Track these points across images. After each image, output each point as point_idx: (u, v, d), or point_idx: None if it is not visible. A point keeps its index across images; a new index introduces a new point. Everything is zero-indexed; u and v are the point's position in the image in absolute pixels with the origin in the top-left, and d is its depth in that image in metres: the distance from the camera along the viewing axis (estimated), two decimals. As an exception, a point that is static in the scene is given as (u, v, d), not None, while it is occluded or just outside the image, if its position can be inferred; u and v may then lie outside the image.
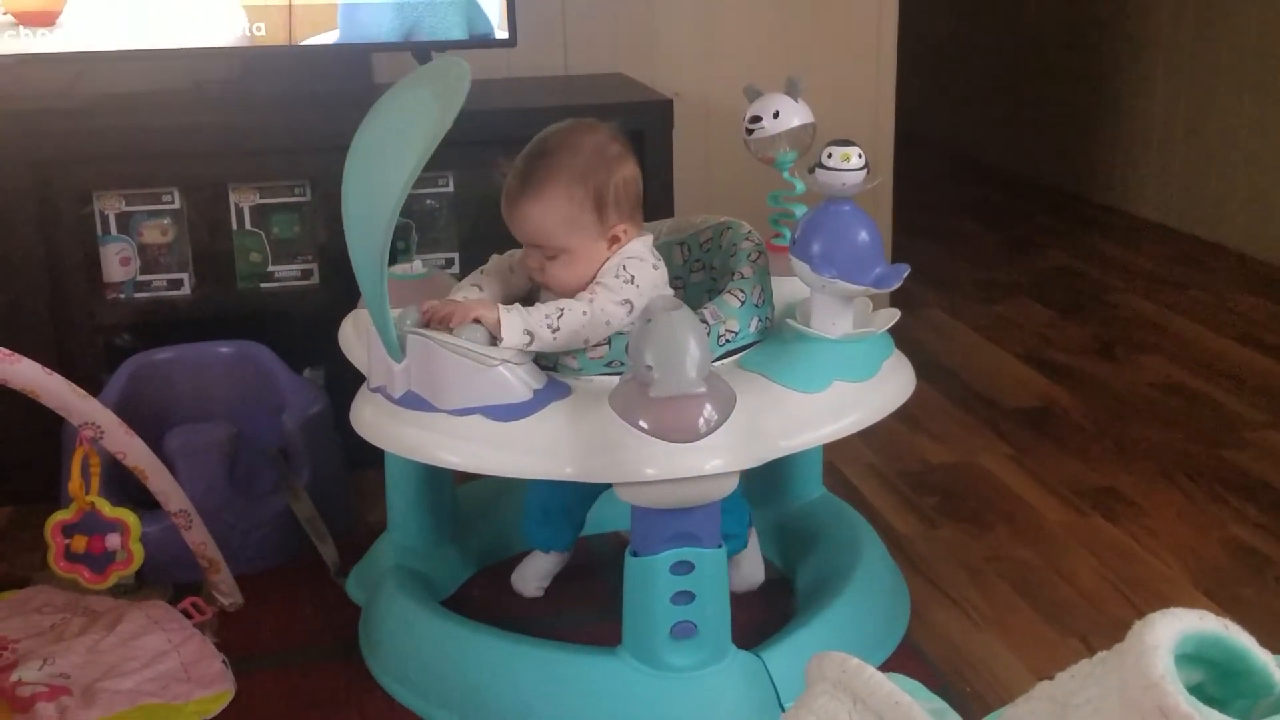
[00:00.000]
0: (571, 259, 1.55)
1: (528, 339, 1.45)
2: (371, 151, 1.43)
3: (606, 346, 1.51)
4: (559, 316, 1.47)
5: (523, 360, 1.46)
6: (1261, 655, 0.76)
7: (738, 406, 1.41)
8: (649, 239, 1.60)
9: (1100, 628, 1.72)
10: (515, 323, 1.45)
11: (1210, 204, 3.65)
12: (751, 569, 1.76)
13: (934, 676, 1.59)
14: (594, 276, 1.55)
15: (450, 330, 1.45)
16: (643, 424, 1.38)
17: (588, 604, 1.76)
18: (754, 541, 1.76)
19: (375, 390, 1.53)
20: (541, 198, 1.53)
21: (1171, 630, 0.73)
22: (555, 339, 1.47)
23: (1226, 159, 3.56)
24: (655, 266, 1.57)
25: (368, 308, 1.46)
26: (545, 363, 1.52)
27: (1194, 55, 3.67)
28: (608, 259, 1.55)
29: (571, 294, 1.55)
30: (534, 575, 1.78)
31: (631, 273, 1.53)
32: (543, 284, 1.60)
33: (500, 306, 1.46)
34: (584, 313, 1.48)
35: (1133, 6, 3.92)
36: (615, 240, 1.56)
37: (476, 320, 1.45)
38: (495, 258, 1.68)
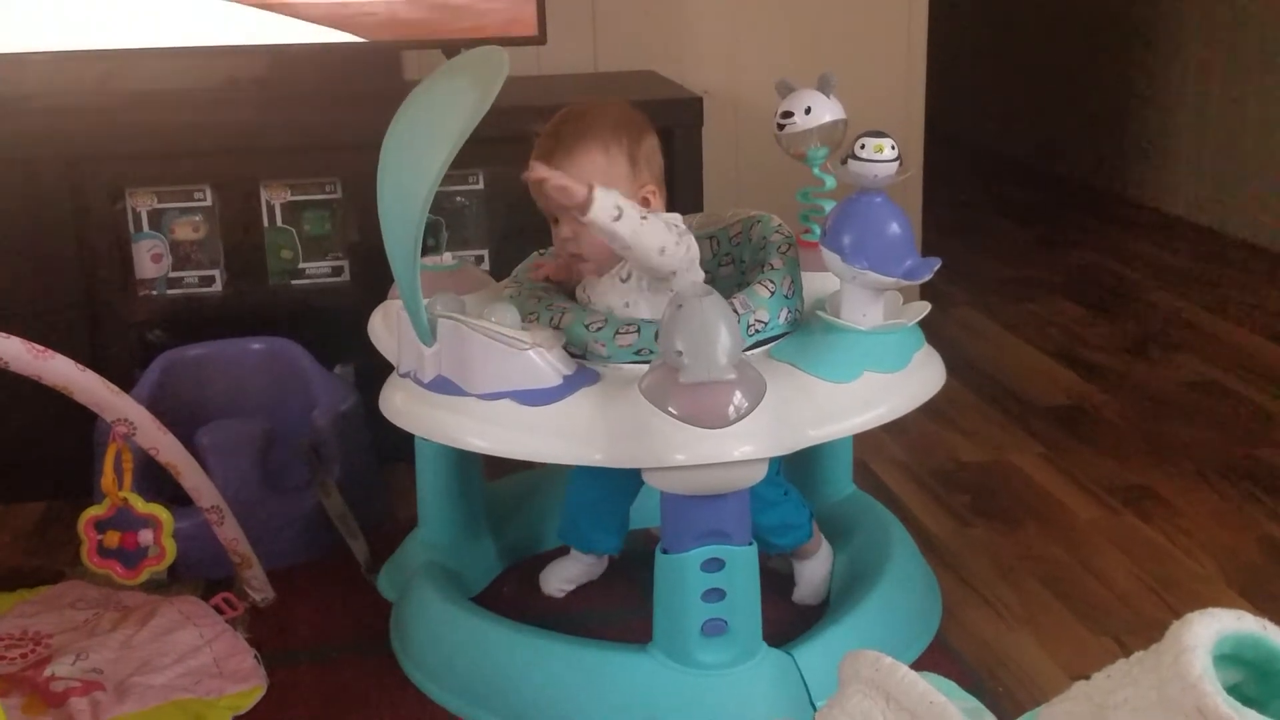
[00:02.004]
0: None
1: (616, 212, 1.44)
2: (409, 133, 1.44)
3: (635, 334, 1.51)
4: (643, 216, 1.46)
5: (553, 345, 1.46)
6: (1301, 655, 0.75)
7: (768, 395, 1.40)
8: (675, 216, 1.59)
9: (1133, 627, 1.71)
10: (609, 196, 1.43)
11: (1242, 201, 3.61)
12: (813, 579, 1.74)
13: (966, 675, 1.59)
14: None
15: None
16: (672, 409, 1.37)
17: (618, 601, 1.76)
18: (825, 555, 1.75)
19: (405, 375, 1.53)
20: (577, 155, 1.54)
21: (1209, 630, 0.72)
22: (644, 223, 1.45)
23: (1258, 156, 3.53)
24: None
25: (400, 288, 1.46)
26: (574, 350, 1.52)
27: (1226, 51, 3.64)
28: None
29: (606, 264, 1.56)
30: (558, 578, 1.79)
31: (672, 220, 1.53)
32: (576, 255, 1.59)
33: (594, 184, 1.44)
34: (648, 219, 1.47)
35: (1165, 3, 3.89)
36: (645, 203, 1.56)
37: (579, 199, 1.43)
38: (537, 254, 1.70)
